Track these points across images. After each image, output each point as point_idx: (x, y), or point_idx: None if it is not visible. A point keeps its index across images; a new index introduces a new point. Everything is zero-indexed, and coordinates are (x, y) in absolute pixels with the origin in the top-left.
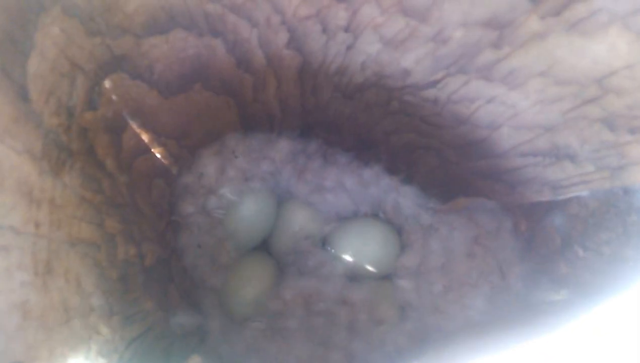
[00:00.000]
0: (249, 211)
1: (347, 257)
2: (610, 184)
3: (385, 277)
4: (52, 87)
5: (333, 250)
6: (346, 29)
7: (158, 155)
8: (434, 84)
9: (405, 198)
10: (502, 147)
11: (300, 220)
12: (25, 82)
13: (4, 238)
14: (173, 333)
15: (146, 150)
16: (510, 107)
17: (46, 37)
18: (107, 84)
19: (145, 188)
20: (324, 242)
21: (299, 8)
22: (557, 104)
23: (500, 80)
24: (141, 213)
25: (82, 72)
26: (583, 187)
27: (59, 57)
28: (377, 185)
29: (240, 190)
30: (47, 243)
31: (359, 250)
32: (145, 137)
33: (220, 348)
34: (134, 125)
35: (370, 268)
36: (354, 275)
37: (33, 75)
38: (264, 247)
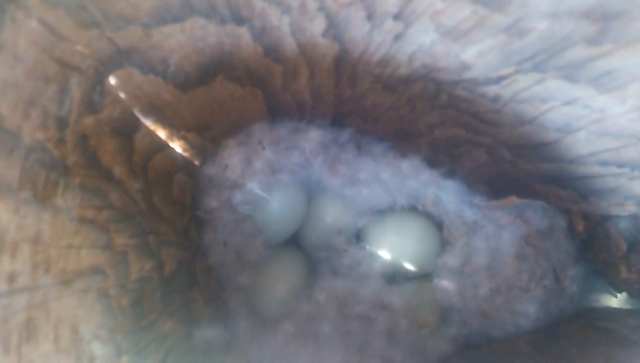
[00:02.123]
0: (278, 206)
1: (384, 254)
2: None
3: (426, 276)
4: (33, 96)
5: (368, 246)
6: (396, 17)
7: (178, 149)
8: (498, 80)
9: (447, 193)
10: (576, 153)
11: (332, 214)
12: None
13: None
14: (196, 349)
15: (163, 147)
16: (596, 111)
17: (20, 34)
18: (112, 81)
19: (164, 187)
20: (358, 237)
21: None
22: None
23: (589, 82)
24: (160, 216)
25: (77, 71)
26: None
27: (40, 58)
28: (415, 177)
29: (268, 184)
30: (26, 298)
31: (397, 245)
32: (162, 134)
33: (249, 352)
34: (148, 123)
35: (409, 266)
36: (392, 274)
37: (2, 85)
38: (294, 242)
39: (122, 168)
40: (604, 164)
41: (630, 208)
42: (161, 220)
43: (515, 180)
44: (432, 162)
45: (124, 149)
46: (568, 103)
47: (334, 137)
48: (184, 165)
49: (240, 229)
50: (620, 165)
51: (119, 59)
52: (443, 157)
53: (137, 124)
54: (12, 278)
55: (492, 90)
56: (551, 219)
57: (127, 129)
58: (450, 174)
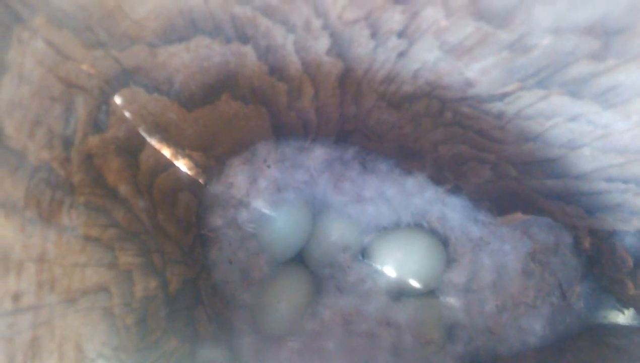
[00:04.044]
0: (283, 224)
1: (389, 271)
2: None
3: (431, 293)
4: (39, 116)
5: (373, 263)
6: (400, 34)
7: (183, 168)
8: (501, 97)
9: (452, 210)
10: (581, 169)
11: (337, 232)
12: None
13: None
14: None
15: (168, 165)
16: (601, 127)
17: (26, 55)
18: (117, 100)
19: (169, 206)
20: (363, 255)
21: (346, 10)
22: None
23: (593, 98)
24: (165, 234)
25: (82, 91)
26: None
27: (46, 77)
28: (420, 195)
29: (273, 202)
30: (32, 316)
31: (402, 262)
32: (167, 153)
33: None
34: (153, 142)
35: (414, 283)
36: (397, 291)
37: (8, 106)
38: (299, 259)
39: (127, 187)
40: (610, 179)
41: (636, 224)
42: (166, 238)
43: (520, 197)
44: (437, 179)
45: (129, 167)
46: (572, 119)
47: (338, 155)
48: (189, 184)
49: (245, 247)
50: (626, 181)
51: (124, 78)
52: (448, 174)
53: (142, 143)
54: (17, 297)
55: (496, 106)
56: (557, 235)
57: (132, 148)
58: (455, 190)
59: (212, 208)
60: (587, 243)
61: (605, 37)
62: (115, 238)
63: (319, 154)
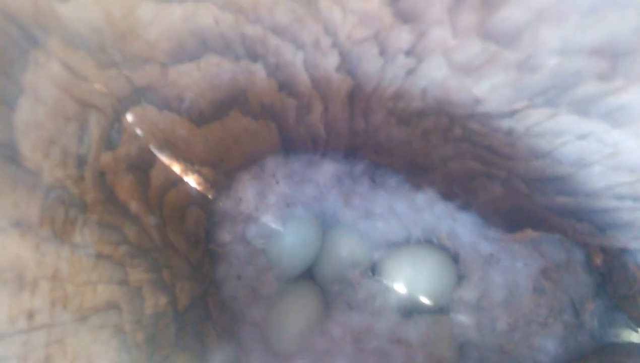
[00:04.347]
0: (292, 239)
1: (399, 287)
2: None
3: (442, 310)
4: (53, 135)
5: (383, 280)
6: (408, 53)
7: (192, 184)
8: (511, 114)
9: (462, 226)
10: (592, 187)
11: (347, 247)
12: (12, 137)
13: None
14: None
15: (178, 181)
16: (610, 145)
17: (41, 77)
18: (129, 118)
19: (178, 221)
20: (373, 271)
21: (355, 29)
22: None
23: (602, 116)
24: (174, 251)
25: (95, 110)
26: None
27: (61, 98)
28: (430, 210)
29: (282, 217)
30: (45, 334)
31: (412, 278)
32: (177, 169)
33: None
34: (163, 158)
35: (424, 299)
36: (408, 308)
37: (24, 127)
38: (309, 275)
39: (138, 203)
40: (620, 197)
41: None
42: (175, 254)
43: (531, 213)
44: (446, 195)
45: (140, 184)
46: (581, 137)
47: (348, 170)
48: (198, 199)
49: (254, 263)
50: (636, 199)
51: (135, 96)
52: (458, 189)
53: (153, 160)
54: (31, 315)
55: (505, 123)
56: (568, 253)
57: (143, 165)
58: (465, 206)
59: (221, 223)
60: (599, 260)
61: (612, 58)
62: (126, 255)
63: (328, 168)
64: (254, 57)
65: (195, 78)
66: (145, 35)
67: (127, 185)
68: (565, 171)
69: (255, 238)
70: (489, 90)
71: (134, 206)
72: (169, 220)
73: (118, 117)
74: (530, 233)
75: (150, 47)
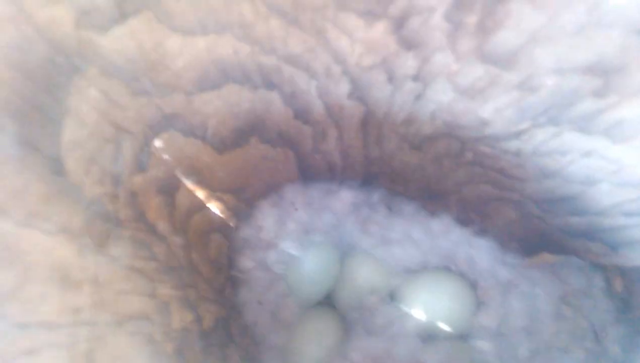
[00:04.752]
0: (311, 265)
1: (418, 314)
2: None
3: (462, 336)
4: (93, 154)
5: (402, 306)
6: (415, 78)
7: (215, 210)
8: (517, 135)
9: (479, 251)
10: (601, 205)
11: (365, 274)
12: (59, 153)
13: (30, 339)
14: None
15: (202, 207)
16: (613, 162)
17: (83, 101)
18: (157, 143)
19: (202, 246)
20: (392, 297)
21: (363, 57)
22: None
23: (602, 133)
24: (198, 273)
25: (128, 134)
26: None
27: (99, 121)
28: (447, 236)
29: (302, 244)
30: (88, 330)
31: (431, 305)
32: (200, 195)
33: None
34: (188, 184)
35: (443, 326)
36: (427, 334)
37: (69, 144)
38: (328, 302)
39: (165, 224)
40: (629, 214)
41: None
42: (199, 277)
43: (546, 236)
44: (462, 221)
45: (167, 206)
46: (586, 155)
47: (364, 198)
48: (221, 226)
49: (274, 289)
50: None
51: (164, 123)
52: (473, 215)
53: (179, 184)
54: (76, 311)
55: (513, 145)
56: (588, 278)
57: (169, 188)
58: (481, 232)
59: (242, 250)
60: (618, 285)
61: (604, 75)
62: (155, 271)
63: (345, 196)
64: (270, 85)
65: (217, 106)
66: (172, 65)
67: (156, 206)
68: (575, 190)
69: (275, 264)
70: (494, 112)
71: (161, 226)
72: (194, 244)
73: (148, 142)
74: (546, 257)
75: (177, 77)
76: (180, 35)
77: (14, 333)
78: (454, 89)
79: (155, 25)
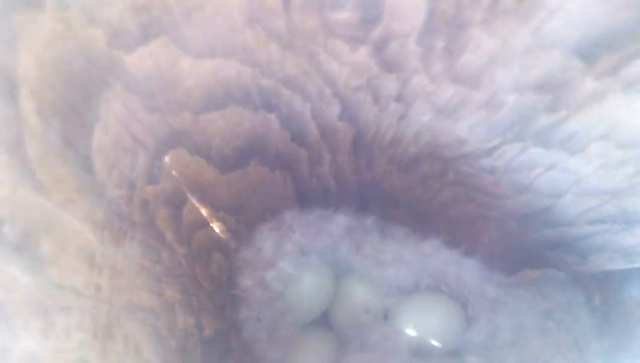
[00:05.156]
0: (308, 286)
1: (411, 331)
2: None
3: (452, 352)
4: (115, 160)
5: (395, 324)
6: (397, 99)
7: (217, 230)
8: (490, 152)
9: (467, 272)
10: (569, 215)
11: (360, 294)
12: (90, 154)
13: (65, 298)
14: None
15: (205, 224)
16: (572, 173)
17: (109, 111)
18: (167, 159)
19: (204, 261)
20: (385, 316)
21: (349, 79)
22: (622, 168)
23: (559, 146)
24: (200, 285)
25: (143, 146)
26: None
27: (121, 131)
28: (437, 258)
29: (299, 264)
30: (107, 307)
31: (423, 324)
32: (204, 212)
33: None
34: (193, 200)
35: (435, 342)
36: (419, 350)
37: (97, 148)
38: (324, 321)
39: (172, 234)
40: (591, 222)
41: (619, 262)
42: (202, 290)
43: (526, 252)
44: (451, 243)
45: (174, 218)
46: (550, 168)
47: (358, 223)
48: (221, 246)
49: (273, 306)
50: (603, 221)
51: (173, 139)
52: (461, 236)
53: (185, 199)
54: (98, 289)
55: (488, 162)
56: (570, 294)
57: (177, 202)
58: (469, 252)
59: (242, 270)
60: (597, 299)
61: (554, 91)
62: (163, 274)
63: (340, 221)
64: (269, 107)
65: (221, 126)
66: (183, 84)
67: (164, 216)
68: (545, 203)
69: (273, 282)
70: (468, 130)
71: (168, 236)
72: (197, 258)
73: (159, 157)
74: (529, 273)
75: (187, 95)
76: (191, 57)
77: (53, 291)
78: (432, 108)
79: (171, 48)
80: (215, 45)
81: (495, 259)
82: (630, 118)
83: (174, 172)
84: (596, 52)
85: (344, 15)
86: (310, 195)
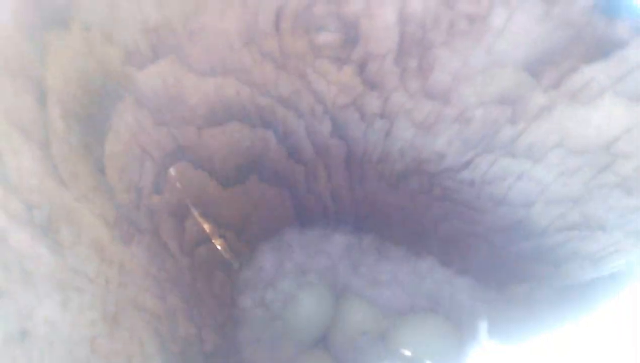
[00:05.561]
0: (307, 306)
1: (407, 353)
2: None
3: None
4: (125, 167)
5: (392, 346)
6: (381, 116)
7: (218, 247)
8: (467, 165)
9: (460, 292)
10: (541, 225)
11: (358, 316)
12: (103, 158)
13: (80, 280)
14: None
15: (207, 239)
16: (537, 182)
17: (121, 122)
18: (172, 171)
19: (206, 277)
20: (382, 338)
21: (337, 97)
22: (578, 174)
23: (524, 156)
24: (202, 299)
25: (150, 157)
26: (618, 257)
27: (131, 141)
28: (431, 277)
29: (298, 284)
30: (115, 299)
31: (419, 345)
32: (206, 227)
33: None
34: (195, 213)
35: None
36: None
37: (109, 153)
38: (322, 343)
39: (175, 244)
40: (559, 230)
41: (588, 269)
42: (203, 303)
43: (510, 266)
44: (444, 261)
45: (177, 230)
46: (519, 178)
47: (356, 242)
48: (224, 265)
49: (272, 327)
50: (569, 228)
51: (178, 153)
52: (453, 254)
53: (188, 212)
54: (107, 281)
55: (467, 175)
56: (558, 309)
57: (180, 214)
58: (461, 271)
59: (244, 290)
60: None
61: (512, 105)
62: (167, 281)
63: (339, 240)
64: (266, 125)
65: (222, 141)
66: (188, 100)
67: (168, 227)
68: (520, 214)
69: (273, 302)
70: (446, 144)
71: (172, 246)
72: (199, 272)
73: (165, 169)
74: (516, 288)
75: (191, 111)
76: (195, 76)
77: (70, 273)
78: (413, 124)
79: (177, 66)
80: (216, 64)
81: (485, 277)
82: (577, 127)
83: (178, 184)
84: (541, 68)
85: (328, 37)
86: (308, 214)
